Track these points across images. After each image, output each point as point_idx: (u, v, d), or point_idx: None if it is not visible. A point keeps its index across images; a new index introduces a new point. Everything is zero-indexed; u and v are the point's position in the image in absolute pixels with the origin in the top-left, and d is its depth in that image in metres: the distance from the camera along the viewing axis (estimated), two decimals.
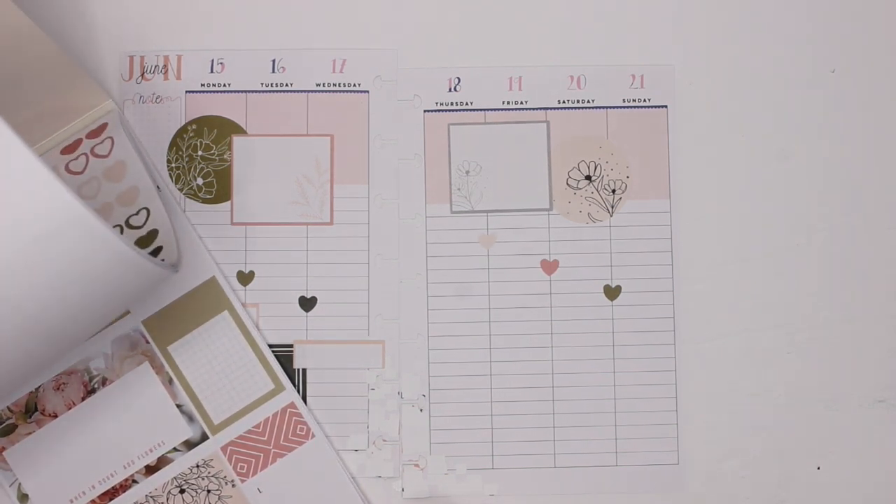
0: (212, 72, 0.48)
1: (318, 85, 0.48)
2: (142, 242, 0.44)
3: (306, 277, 0.47)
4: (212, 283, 0.46)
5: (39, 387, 0.45)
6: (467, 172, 0.48)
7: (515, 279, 0.48)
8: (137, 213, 0.44)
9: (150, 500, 0.46)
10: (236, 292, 0.47)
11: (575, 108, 0.48)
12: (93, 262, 0.35)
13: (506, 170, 0.48)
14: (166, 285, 0.46)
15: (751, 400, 0.48)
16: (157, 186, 0.46)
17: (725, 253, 0.48)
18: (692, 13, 0.49)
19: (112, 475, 0.45)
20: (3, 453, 0.45)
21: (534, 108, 0.48)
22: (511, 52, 0.48)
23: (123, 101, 0.47)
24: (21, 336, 0.36)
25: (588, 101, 0.48)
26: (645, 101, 0.48)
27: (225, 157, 0.48)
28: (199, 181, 0.47)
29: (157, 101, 0.48)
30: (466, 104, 0.48)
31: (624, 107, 0.48)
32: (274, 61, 0.48)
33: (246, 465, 0.46)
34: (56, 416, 0.45)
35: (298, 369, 0.47)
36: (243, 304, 0.47)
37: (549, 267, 0.48)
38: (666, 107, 0.48)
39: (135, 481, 0.46)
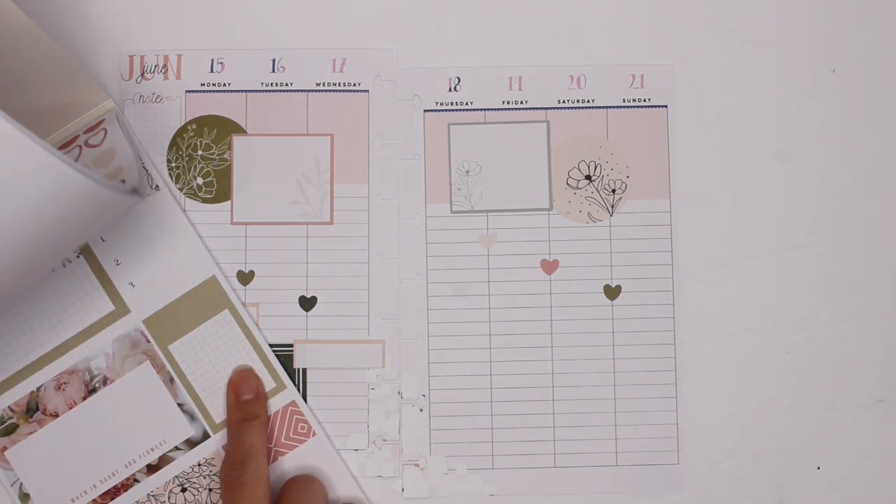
0: (212, 71, 0.48)
1: (318, 85, 0.48)
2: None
3: (306, 277, 0.47)
4: (212, 283, 0.46)
5: (41, 386, 0.46)
6: (467, 172, 0.48)
7: (515, 279, 0.48)
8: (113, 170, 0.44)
9: (152, 498, 0.46)
10: (236, 292, 0.47)
11: (575, 108, 0.48)
12: (31, 185, 0.34)
13: (506, 170, 0.48)
14: (166, 285, 0.46)
15: (751, 400, 0.48)
16: (146, 169, 0.46)
17: (725, 253, 0.48)
18: (692, 13, 0.48)
19: (113, 474, 0.45)
20: (5, 453, 0.45)
21: (534, 108, 0.48)
22: (511, 52, 0.48)
23: (123, 100, 0.47)
24: None
25: (588, 101, 0.48)
26: (645, 101, 0.48)
27: (225, 156, 0.48)
28: (199, 181, 0.47)
29: (157, 100, 0.48)
30: (466, 104, 0.48)
31: (624, 107, 0.48)
32: (274, 61, 0.48)
33: None
34: (57, 416, 0.46)
35: (298, 369, 0.47)
36: (243, 304, 0.47)
37: (549, 267, 0.48)
38: (666, 107, 0.48)
39: (136, 480, 0.46)
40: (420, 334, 0.47)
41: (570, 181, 0.48)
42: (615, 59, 0.48)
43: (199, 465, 0.46)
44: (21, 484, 0.45)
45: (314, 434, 0.46)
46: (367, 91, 0.48)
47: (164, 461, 0.46)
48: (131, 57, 0.48)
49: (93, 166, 0.44)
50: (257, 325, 0.47)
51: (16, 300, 0.45)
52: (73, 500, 0.45)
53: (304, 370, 0.47)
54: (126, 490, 0.46)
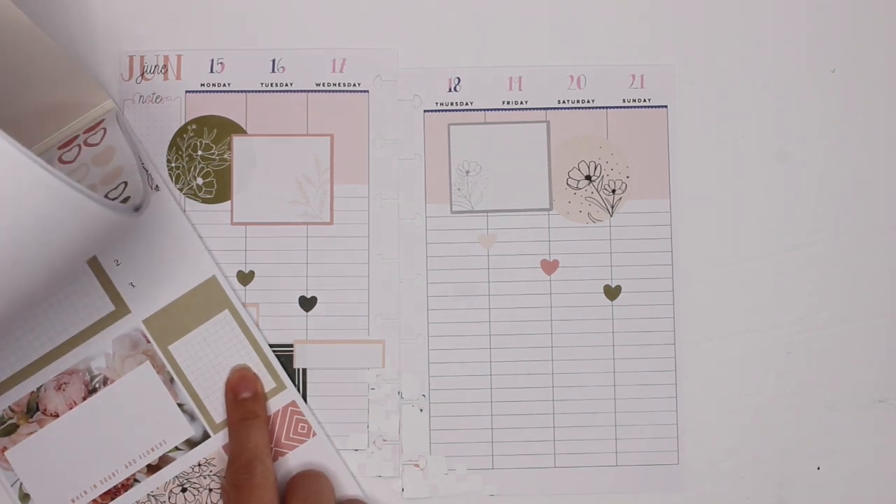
0: (212, 72, 0.48)
1: (317, 85, 0.48)
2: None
3: (306, 277, 0.47)
4: (212, 283, 0.46)
5: (41, 387, 0.46)
6: (467, 172, 0.48)
7: (515, 279, 0.48)
8: (116, 188, 0.44)
9: (152, 498, 0.46)
10: (236, 292, 0.47)
11: (575, 108, 0.48)
12: (28, 205, 0.33)
13: (506, 170, 0.48)
14: (166, 285, 0.46)
15: (751, 400, 0.48)
16: (146, 169, 0.46)
17: (725, 253, 0.48)
18: (692, 13, 0.48)
19: (113, 475, 0.45)
20: (5, 453, 0.45)
21: (534, 108, 0.48)
22: (511, 52, 0.48)
23: (123, 100, 0.47)
24: None
25: (588, 101, 0.48)
26: (645, 101, 0.48)
27: (225, 156, 0.48)
28: (199, 181, 0.47)
29: (157, 100, 0.48)
30: (466, 104, 0.48)
31: (624, 107, 0.48)
32: (274, 61, 0.48)
33: None
34: (57, 416, 0.46)
35: (298, 369, 0.47)
36: (243, 304, 0.47)
37: (549, 267, 0.48)
38: (666, 107, 0.48)
39: (136, 480, 0.46)
40: (420, 334, 0.47)
41: (570, 181, 0.48)
42: (615, 59, 0.48)
43: (200, 465, 0.46)
44: (21, 484, 0.45)
45: (314, 434, 0.46)
46: (367, 91, 0.48)
47: (164, 461, 0.46)
48: (131, 57, 0.48)
49: (91, 165, 0.44)
50: (257, 326, 0.47)
51: (16, 319, 0.45)
52: (73, 500, 0.45)
53: (304, 370, 0.47)
54: (126, 490, 0.46)
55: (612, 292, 0.48)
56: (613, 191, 0.48)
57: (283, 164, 0.48)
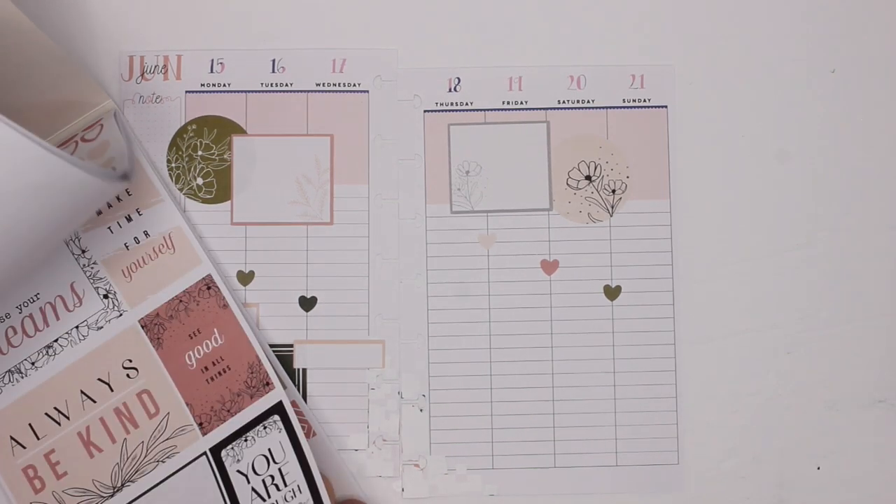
0: (212, 72, 0.48)
1: (318, 85, 0.48)
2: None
3: (306, 277, 0.47)
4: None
5: None
6: (467, 172, 0.48)
7: (515, 279, 0.48)
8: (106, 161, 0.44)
9: None
10: (236, 292, 0.47)
11: (575, 108, 0.48)
12: (18, 175, 0.34)
13: (506, 170, 0.48)
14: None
15: (751, 400, 0.48)
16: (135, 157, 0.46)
17: (725, 253, 0.48)
18: (692, 13, 0.49)
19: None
20: None
21: (534, 108, 0.48)
22: (511, 52, 0.48)
23: (123, 100, 0.47)
24: None
25: (588, 101, 0.48)
26: (645, 101, 0.48)
27: (225, 157, 0.48)
28: (199, 181, 0.47)
29: (157, 101, 0.48)
30: (466, 104, 0.48)
31: (624, 107, 0.48)
32: (274, 61, 0.48)
33: None
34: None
35: (298, 369, 0.47)
36: (243, 304, 0.47)
37: (549, 267, 0.48)
38: (666, 107, 0.48)
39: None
40: (420, 334, 0.47)
41: (570, 181, 0.48)
42: (615, 59, 0.48)
43: None
44: None
45: (314, 434, 0.46)
46: (367, 91, 0.48)
47: None
48: (131, 57, 0.48)
49: (87, 159, 0.44)
50: (257, 325, 0.47)
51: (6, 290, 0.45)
52: None
53: (304, 370, 0.47)
54: None
55: (612, 292, 0.48)
56: (613, 191, 0.48)
57: (283, 164, 0.48)
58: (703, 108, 0.48)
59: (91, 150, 0.44)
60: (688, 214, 0.48)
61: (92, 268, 0.45)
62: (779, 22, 0.49)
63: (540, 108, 0.48)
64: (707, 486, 0.47)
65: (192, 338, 0.45)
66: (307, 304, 0.47)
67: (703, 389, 0.47)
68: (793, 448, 0.48)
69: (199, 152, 0.48)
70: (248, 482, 0.45)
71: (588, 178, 0.48)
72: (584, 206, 0.48)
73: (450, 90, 0.48)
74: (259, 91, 0.48)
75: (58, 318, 0.45)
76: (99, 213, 0.46)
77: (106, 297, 0.45)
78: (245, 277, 0.47)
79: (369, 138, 0.48)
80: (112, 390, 0.45)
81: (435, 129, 0.48)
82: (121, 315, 0.45)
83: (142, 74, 0.48)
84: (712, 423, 0.47)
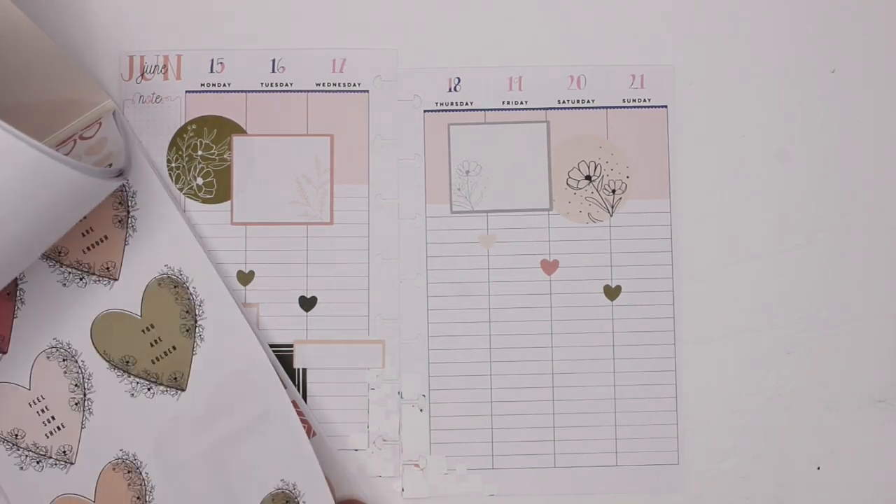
0: (212, 72, 0.48)
1: (317, 85, 0.48)
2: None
3: (306, 277, 0.47)
4: None
5: None
6: (467, 172, 0.48)
7: (515, 279, 0.48)
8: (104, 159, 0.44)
9: None
10: (236, 292, 0.47)
11: (575, 108, 0.48)
12: (14, 176, 0.35)
13: (506, 170, 0.48)
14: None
15: (751, 400, 0.48)
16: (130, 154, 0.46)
17: (725, 253, 0.48)
18: (692, 13, 0.48)
19: None
20: None
21: (534, 108, 0.48)
22: (511, 52, 0.48)
23: (123, 100, 0.47)
24: None
25: (588, 101, 0.48)
26: (645, 101, 0.48)
27: (225, 157, 0.48)
28: (199, 181, 0.47)
29: (157, 100, 0.48)
30: (466, 104, 0.48)
31: (624, 107, 0.48)
32: (274, 61, 0.48)
33: None
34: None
35: (298, 369, 0.47)
36: (243, 304, 0.47)
37: (549, 267, 0.48)
38: (666, 107, 0.48)
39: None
40: (420, 334, 0.47)
41: (570, 181, 0.48)
42: (615, 59, 0.48)
43: None
44: None
45: (314, 434, 0.46)
46: (367, 91, 0.48)
47: None
48: (131, 57, 0.48)
49: (84, 155, 0.44)
50: (257, 325, 0.47)
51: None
52: None
53: (304, 370, 0.47)
54: None
55: (611, 292, 0.48)
56: (613, 191, 0.48)
57: (283, 164, 0.48)
58: (703, 108, 0.48)
59: (89, 147, 0.44)
60: (688, 214, 0.48)
61: None
62: (779, 22, 0.49)
63: (540, 108, 0.48)
64: (707, 486, 0.47)
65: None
66: (307, 304, 0.47)
67: (703, 389, 0.47)
68: (793, 448, 0.48)
69: (199, 152, 0.48)
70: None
71: (588, 177, 0.48)
72: (584, 205, 0.48)
73: (450, 90, 0.48)
74: (259, 91, 0.48)
75: None
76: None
77: None
78: (245, 277, 0.47)
79: (369, 138, 0.48)
80: None
81: (435, 129, 0.48)
82: None
83: (142, 74, 0.48)
84: (712, 423, 0.47)
